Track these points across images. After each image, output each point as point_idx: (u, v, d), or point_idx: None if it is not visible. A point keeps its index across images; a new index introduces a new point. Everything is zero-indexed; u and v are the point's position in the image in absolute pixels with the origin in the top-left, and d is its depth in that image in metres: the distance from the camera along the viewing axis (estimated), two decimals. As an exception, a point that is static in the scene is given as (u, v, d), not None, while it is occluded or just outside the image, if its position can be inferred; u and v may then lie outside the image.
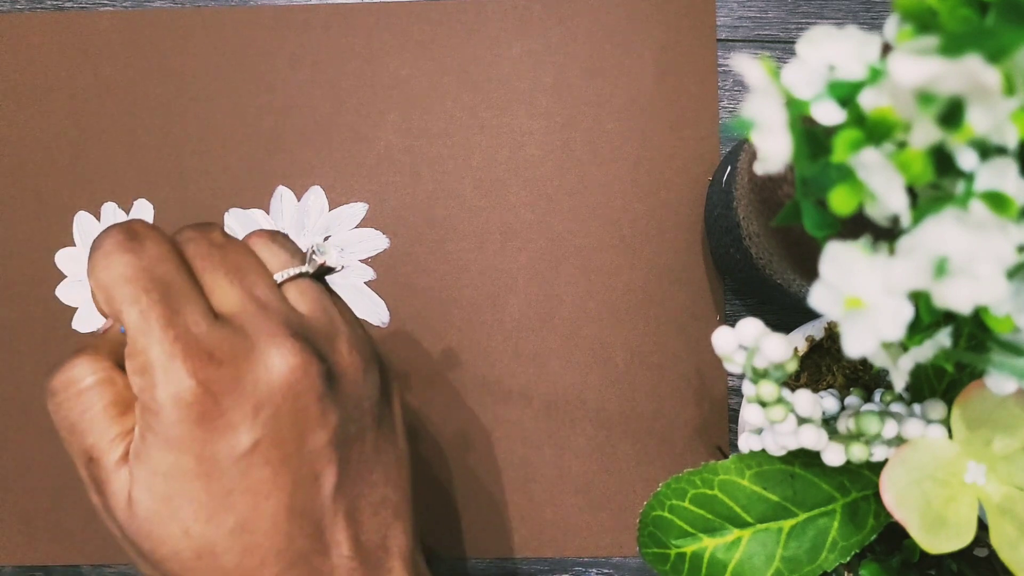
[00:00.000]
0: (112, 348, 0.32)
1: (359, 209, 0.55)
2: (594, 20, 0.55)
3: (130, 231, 0.30)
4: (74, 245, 0.56)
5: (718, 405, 0.54)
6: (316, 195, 0.55)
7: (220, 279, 0.31)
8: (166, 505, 0.29)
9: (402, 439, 0.37)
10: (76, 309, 0.55)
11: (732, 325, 0.28)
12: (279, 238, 0.35)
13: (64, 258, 0.56)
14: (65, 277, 0.56)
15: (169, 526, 0.29)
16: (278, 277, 0.33)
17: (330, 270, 0.35)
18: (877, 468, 0.29)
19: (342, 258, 0.35)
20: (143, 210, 0.55)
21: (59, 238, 0.56)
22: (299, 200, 0.55)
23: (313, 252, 0.34)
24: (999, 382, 0.24)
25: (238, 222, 0.55)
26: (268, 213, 0.55)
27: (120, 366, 0.31)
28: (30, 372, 0.55)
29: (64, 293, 0.56)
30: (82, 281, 0.56)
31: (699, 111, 0.55)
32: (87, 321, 0.55)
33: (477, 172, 0.55)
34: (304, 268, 0.34)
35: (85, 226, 0.56)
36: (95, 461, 0.30)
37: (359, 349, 0.34)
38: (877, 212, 0.21)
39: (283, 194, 0.55)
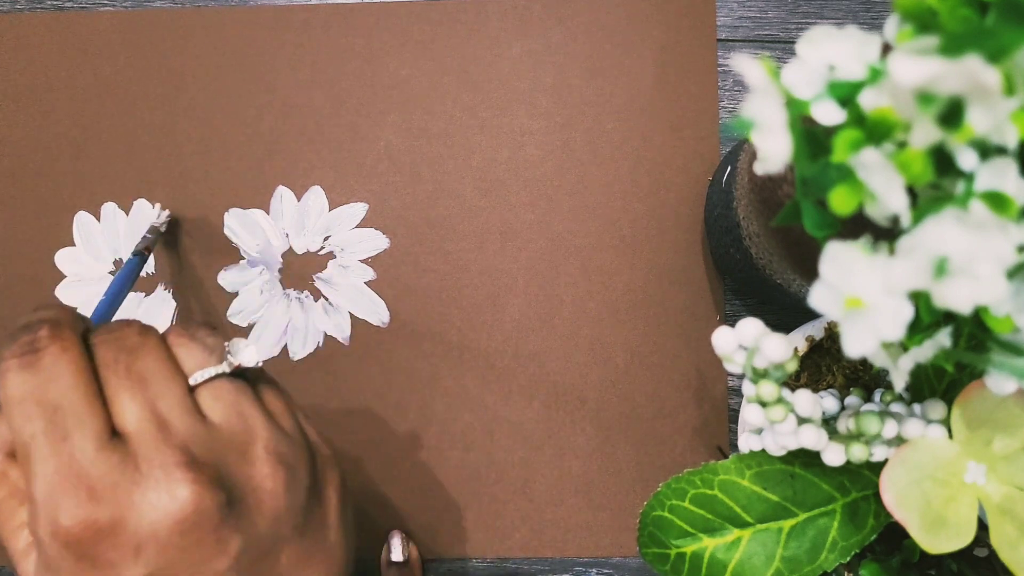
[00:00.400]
0: (4, 439, 0.30)
1: (359, 209, 0.55)
2: (594, 20, 0.55)
3: (31, 345, 0.29)
4: (74, 245, 0.56)
5: (718, 405, 0.54)
6: (316, 195, 0.55)
7: (123, 392, 0.29)
8: None
9: (336, 533, 0.34)
10: (75, 309, 0.55)
11: (732, 325, 0.28)
12: (198, 334, 0.32)
13: (64, 258, 0.56)
14: (65, 277, 0.56)
15: None
16: (194, 380, 0.31)
17: (248, 369, 0.32)
18: (877, 468, 0.29)
19: (258, 355, 0.33)
20: (143, 210, 0.55)
21: (59, 238, 0.56)
22: (299, 200, 0.55)
23: (228, 351, 0.32)
24: (999, 382, 0.24)
25: (238, 222, 0.55)
26: (268, 213, 0.55)
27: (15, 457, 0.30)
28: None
29: (64, 293, 0.56)
30: (82, 281, 0.56)
31: (699, 111, 0.55)
32: (87, 321, 0.55)
33: (477, 172, 0.55)
34: (220, 369, 0.31)
35: (85, 226, 0.56)
36: (2, 546, 0.30)
37: (278, 456, 0.31)
38: (877, 212, 0.21)
39: (283, 194, 0.55)
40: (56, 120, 0.56)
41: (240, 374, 0.33)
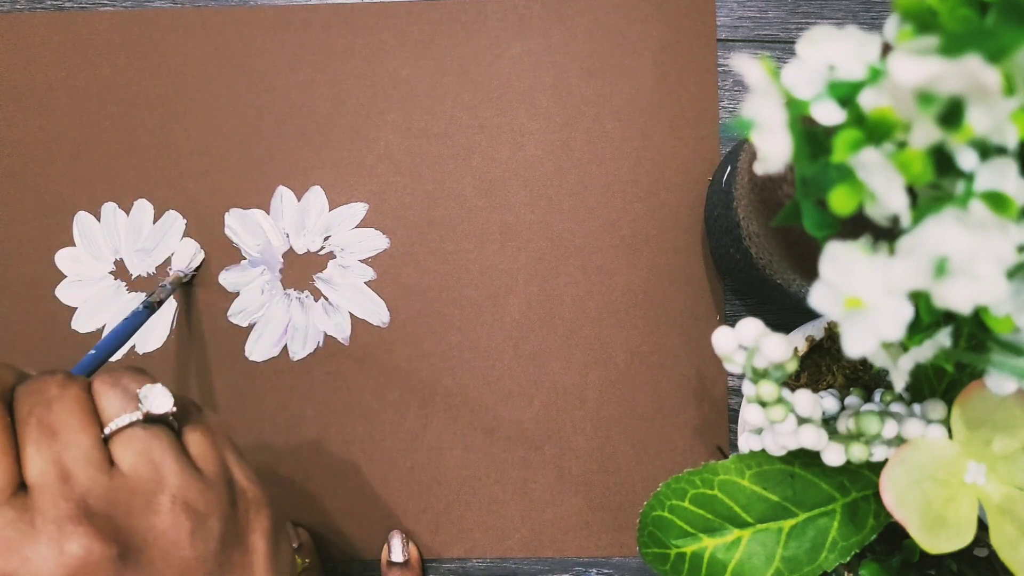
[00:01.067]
0: None
1: (359, 209, 0.55)
2: (594, 20, 0.55)
3: None
4: (74, 245, 0.56)
5: (718, 405, 0.54)
6: (316, 195, 0.55)
7: (30, 445, 0.30)
8: None
9: (264, 570, 0.34)
10: (76, 309, 0.55)
11: (732, 325, 0.28)
12: (122, 380, 0.32)
13: (64, 258, 0.56)
14: (65, 277, 0.56)
15: None
16: (108, 430, 0.31)
17: (162, 415, 0.32)
18: (877, 468, 0.29)
19: (169, 403, 0.33)
20: (143, 210, 0.55)
21: (59, 238, 0.56)
22: (299, 200, 0.55)
23: (140, 398, 0.32)
24: (999, 382, 0.24)
25: (239, 222, 0.55)
26: (268, 213, 0.55)
27: None
28: (31, 371, 0.55)
29: (64, 293, 0.56)
30: (82, 281, 0.56)
31: (699, 111, 0.55)
32: (87, 321, 0.55)
33: (477, 172, 0.55)
34: (132, 417, 0.31)
35: (85, 226, 0.56)
36: None
37: (184, 505, 0.31)
38: (877, 212, 0.21)
39: (283, 194, 0.55)
40: (56, 120, 0.56)
41: (160, 419, 0.33)
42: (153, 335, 0.55)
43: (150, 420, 0.32)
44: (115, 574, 0.29)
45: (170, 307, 0.55)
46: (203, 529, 0.31)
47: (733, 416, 0.54)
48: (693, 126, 0.54)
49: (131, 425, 0.31)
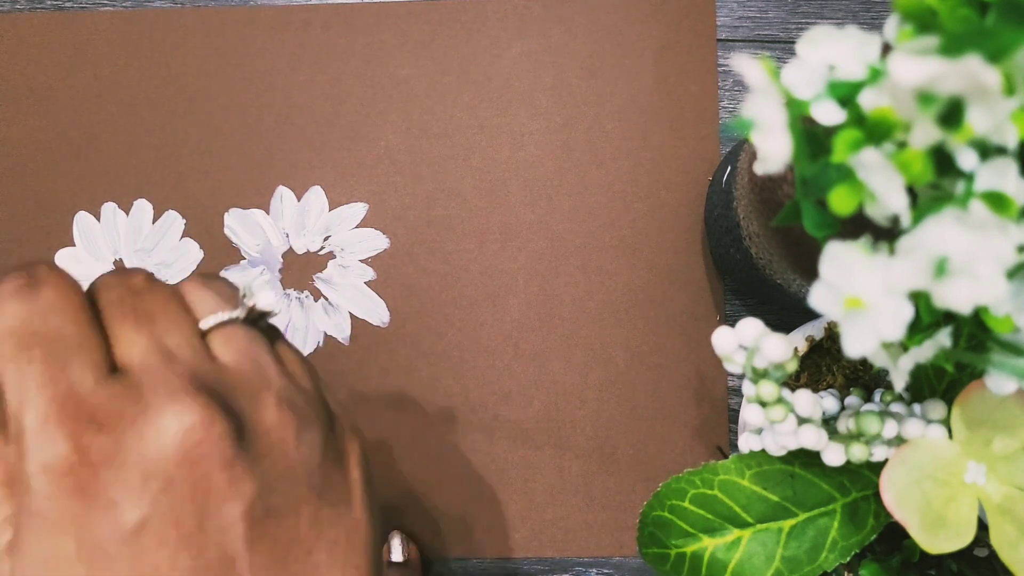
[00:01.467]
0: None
1: (359, 209, 0.55)
2: (594, 20, 0.55)
3: (30, 276, 0.27)
4: (74, 245, 0.56)
5: (718, 405, 0.54)
6: (316, 195, 0.55)
7: (127, 328, 0.27)
8: None
9: (360, 509, 0.32)
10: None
11: (732, 325, 0.28)
12: (214, 282, 0.30)
13: (64, 258, 0.56)
14: (65, 277, 0.56)
15: None
16: (205, 324, 0.29)
17: (265, 314, 0.31)
18: (877, 468, 0.29)
19: (276, 300, 0.31)
20: (143, 210, 0.56)
21: (59, 238, 0.56)
22: (299, 200, 0.55)
23: (244, 294, 0.31)
24: (999, 382, 0.24)
25: (239, 222, 0.55)
26: (268, 213, 0.55)
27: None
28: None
29: (64, 293, 0.56)
30: (83, 281, 0.56)
31: (699, 111, 0.55)
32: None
33: (477, 172, 0.55)
34: (234, 313, 0.30)
35: (85, 226, 0.56)
36: None
37: (292, 404, 0.29)
38: (877, 212, 0.21)
39: (283, 194, 0.55)
40: (56, 120, 0.56)
41: (258, 325, 0.31)
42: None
43: (251, 320, 0.30)
44: (232, 455, 0.26)
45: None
46: (308, 433, 0.30)
47: (733, 416, 0.54)
48: (693, 126, 0.55)
49: (230, 322, 0.29)
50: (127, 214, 0.56)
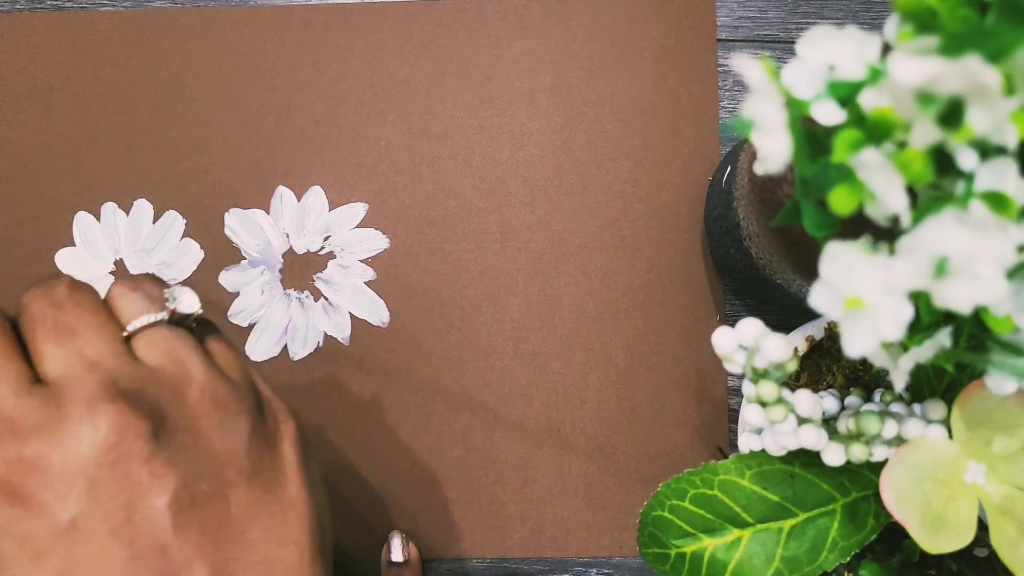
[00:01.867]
0: None
1: (359, 209, 0.55)
2: (594, 20, 0.55)
3: None
4: (74, 245, 0.56)
5: (718, 405, 0.54)
6: (316, 195, 0.55)
7: (48, 343, 0.29)
8: None
9: (296, 486, 0.33)
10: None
11: (732, 325, 0.28)
12: (142, 285, 0.32)
13: (64, 258, 0.56)
14: (65, 277, 0.56)
15: None
16: (131, 327, 0.31)
17: (186, 316, 0.32)
18: (877, 468, 0.29)
19: (197, 302, 0.32)
20: (143, 210, 0.55)
21: (59, 238, 0.56)
22: (299, 200, 0.55)
23: (167, 298, 0.32)
24: (999, 382, 0.24)
25: (239, 222, 0.55)
26: (268, 213, 0.55)
27: None
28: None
29: (64, 293, 0.56)
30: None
31: (699, 111, 0.55)
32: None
33: (477, 172, 0.55)
34: (158, 316, 0.31)
35: (85, 226, 0.56)
36: None
37: (214, 397, 0.31)
38: (877, 212, 0.21)
39: (283, 194, 0.55)
40: (56, 120, 0.56)
41: (183, 324, 0.32)
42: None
43: (174, 321, 0.32)
44: (152, 454, 0.28)
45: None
46: (233, 423, 0.31)
47: (733, 416, 0.54)
48: (693, 126, 0.54)
49: (154, 324, 0.31)
50: (127, 214, 0.56)
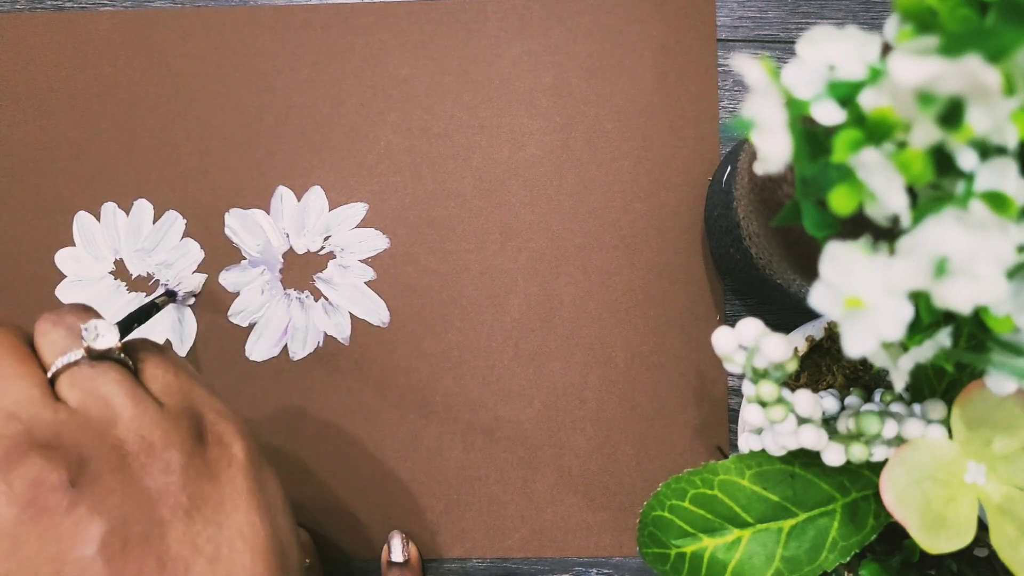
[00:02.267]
0: None
1: (359, 209, 0.55)
2: (594, 20, 0.55)
3: None
4: (74, 245, 0.56)
5: (718, 405, 0.54)
6: (316, 195, 0.55)
7: None
8: None
9: (244, 513, 0.31)
10: None
11: (732, 325, 0.28)
12: (65, 319, 0.31)
13: (64, 258, 0.56)
14: (65, 277, 0.56)
15: None
16: (53, 369, 0.30)
17: (107, 350, 0.31)
18: (877, 468, 0.29)
19: (114, 339, 0.31)
20: (143, 210, 0.55)
21: (59, 238, 0.56)
22: (299, 200, 0.55)
23: (84, 334, 0.30)
24: (999, 382, 0.24)
25: (239, 222, 0.55)
26: (268, 213, 0.55)
27: None
28: None
29: (64, 293, 0.56)
30: (82, 281, 0.56)
31: (699, 111, 0.55)
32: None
33: (477, 172, 0.55)
34: (75, 355, 0.30)
35: (85, 226, 0.56)
36: None
37: (140, 435, 0.30)
38: (877, 212, 0.21)
39: (283, 194, 0.55)
40: (56, 120, 0.56)
41: (107, 356, 0.31)
42: (153, 337, 0.55)
43: (95, 357, 0.31)
44: (69, 502, 0.27)
45: (170, 308, 0.55)
46: (161, 461, 0.30)
47: (733, 416, 0.54)
48: (693, 126, 0.54)
49: (76, 363, 0.30)
50: (127, 214, 0.56)
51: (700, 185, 0.54)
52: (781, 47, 0.55)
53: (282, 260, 0.55)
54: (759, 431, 0.31)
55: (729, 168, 0.45)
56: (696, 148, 0.54)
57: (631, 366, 0.54)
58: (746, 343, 0.28)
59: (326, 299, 0.55)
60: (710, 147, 0.54)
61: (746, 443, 0.32)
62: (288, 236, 0.55)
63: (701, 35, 0.55)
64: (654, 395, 0.54)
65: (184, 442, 0.31)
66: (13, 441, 0.28)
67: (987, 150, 0.19)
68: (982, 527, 0.28)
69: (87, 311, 0.32)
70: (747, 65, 0.20)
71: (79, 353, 0.30)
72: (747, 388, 0.29)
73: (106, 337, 0.30)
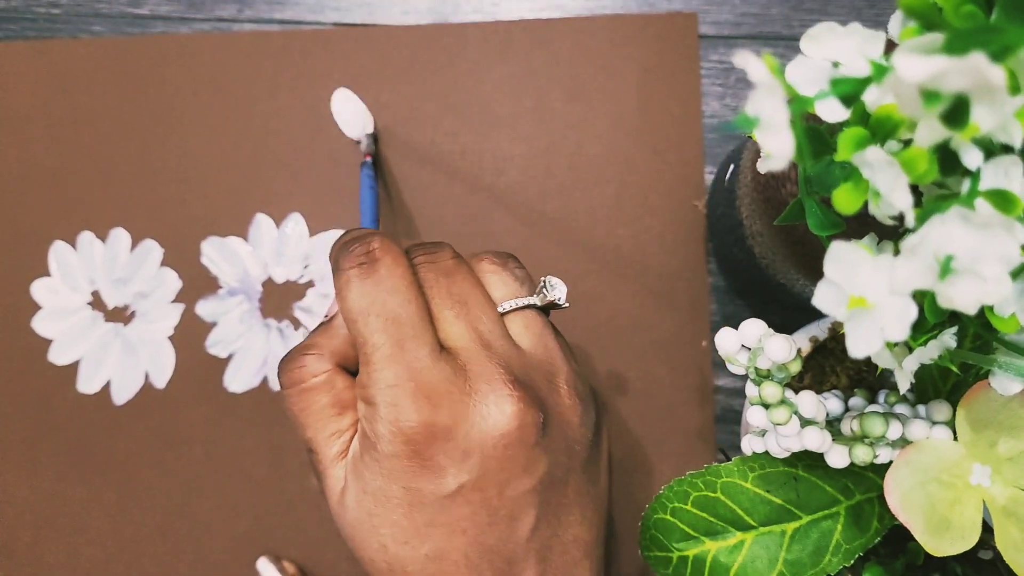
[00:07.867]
0: (335, 348, 0.34)
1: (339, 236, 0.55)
2: (576, 43, 0.55)
3: (367, 255, 0.32)
4: (50, 275, 0.55)
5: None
6: (295, 222, 0.55)
7: (446, 311, 0.32)
8: (369, 519, 0.31)
9: (604, 476, 0.36)
10: (52, 341, 0.54)
11: (735, 326, 0.28)
12: (509, 265, 0.35)
13: (40, 289, 0.55)
14: (41, 308, 0.55)
15: (369, 537, 0.31)
16: (504, 307, 0.33)
17: (558, 306, 0.34)
18: (881, 470, 0.29)
19: (564, 295, 0.35)
20: (119, 239, 0.55)
21: (35, 268, 0.55)
22: (278, 228, 0.55)
23: (543, 286, 0.34)
24: (1004, 383, 0.24)
25: (216, 251, 0.55)
26: (247, 241, 0.55)
27: (342, 366, 0.34)
28: (6, 405, 0.54)
29: (40, 325, 0.54)
30: (59, 312, 0.55)
31: (682, 135, 0.55)
32: (63, 353, 0.54)
33: (458, 199, 0.55)
34: (532, 300, 0.34)
35: (62, 255, 0.55)
36: (314, 452, 0.33)
37: (578, 389, 0.34)
38: (881, 211, 0.21)
39: (261, 222, 0.55)
40: (32, 148, 0.55)
41: (545, 310, 0.35)
42: (131, 365, 0.54)
43: (542, 308, 0.34)
44: (536, 442, 0.31)
45: (147, 343, 0.54)
46: (589, 414, 0.34)
47: (736, 418, 0.53)
48: (677, 150, 0.55)
49: (525, 308, 0.34)
50: (104, 243, 0.55)
51: (684, 209, 0.54)
52: (785, 44, 0.55)
53: (261, 289, 0.55)
54: (762, 433, 0.31)
55: (732, 166, 0.46)
56: (680, 172, 0.54)
57: (615, 393, 0.54)
58: (749, 344, 0.28)
59: (306, 329, 0.54)
60: (694, 171, 0.54)
61: (749, 445, 0.32)
62: (267, 264, 0.55)
63: (683, 58, 0.55)
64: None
65: (594, 403, 0.35)
66: (500, 369, 0.31)
67: (992, 148, 0.20)
68: (987, 529, 0.28)
69: (513, 256, 0.36)
70: (750, 62, 0.20)
71: (534, 299, 0.34)
72: (750, 390, 0.29)
73: (558, 290, 0.34)
